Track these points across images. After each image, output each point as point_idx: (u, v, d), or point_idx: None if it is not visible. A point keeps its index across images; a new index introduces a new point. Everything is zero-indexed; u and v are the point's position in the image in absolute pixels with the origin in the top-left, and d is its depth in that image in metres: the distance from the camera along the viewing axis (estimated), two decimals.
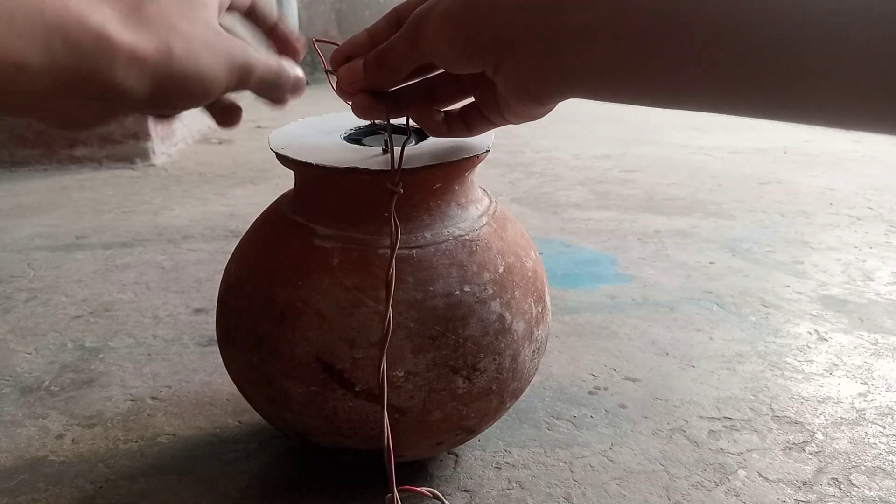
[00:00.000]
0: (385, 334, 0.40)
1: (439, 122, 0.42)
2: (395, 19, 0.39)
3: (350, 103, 0.41)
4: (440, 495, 0.47)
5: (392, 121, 0.43)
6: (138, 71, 0.29)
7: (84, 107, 0.30)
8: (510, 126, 0.41)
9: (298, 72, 0.38)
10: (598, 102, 0.33)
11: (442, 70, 0.39)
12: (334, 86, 0.40)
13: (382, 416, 0.40)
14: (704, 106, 0.29)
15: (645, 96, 0.30)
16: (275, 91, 0.37)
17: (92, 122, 0.31)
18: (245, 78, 0.34)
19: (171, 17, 0.30)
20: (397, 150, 0.42)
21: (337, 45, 0.41)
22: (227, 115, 0.39)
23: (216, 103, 0.38)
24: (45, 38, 0.26)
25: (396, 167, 0.41)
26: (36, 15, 0.26)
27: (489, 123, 0.41)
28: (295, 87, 0.38)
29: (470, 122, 0.41)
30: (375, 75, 0.38)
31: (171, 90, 0.31)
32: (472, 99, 0.41)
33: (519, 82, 0.33)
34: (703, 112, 0.30)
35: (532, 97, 0.34)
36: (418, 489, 0.48)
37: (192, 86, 0.31)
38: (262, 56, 0.35)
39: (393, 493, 0.41)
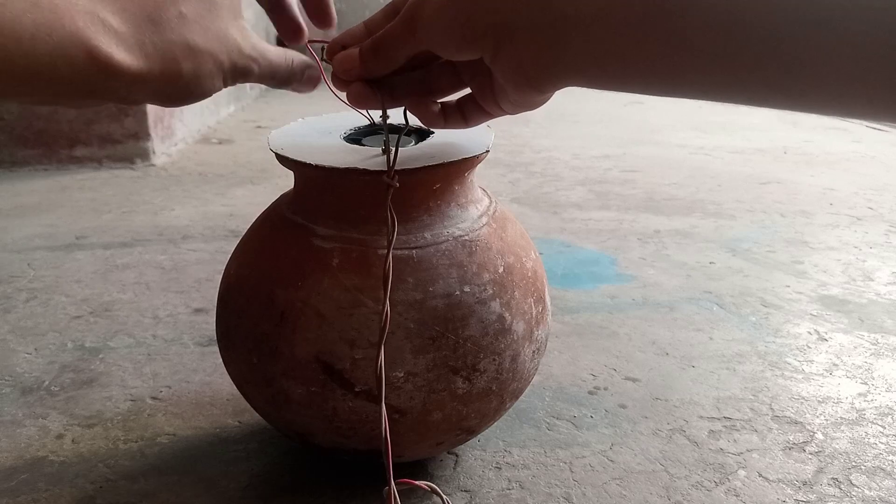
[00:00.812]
0: (382, 327, 0.40)
1: (436, 112, 0.42)
2: (392, 11, 0.39)
3: (345, 92, 0.41)
4: (438, 490, 0.47)
5: (391, 119, 0.43)
6: (140, 88, 0.30)
7: (81, 103, 0.30)
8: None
9: (304, 59, 0.39)
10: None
11: (438, 61, 0.39)
12: (328, 77, 0.40)
13: (381, 416, 0.40)
14: (703, 93, 0.29)
15: (644, 83, 0.31)
16: (283, 84, 0.38)
17: (87, 107, 0.32)
18: (243, 77, 0.35)
19: (188, 30, 0.31)
20: (393, 144, 0.42)
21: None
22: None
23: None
24: (51, 62, 0.26)
25: (392, 161, 0.41)
26: (45, 37, 0.26)
27: (486, 115, 0.41)
28: (304, 77, 0.39)
29: (467, 113, 0.41)
30: (372, 63, 0.38)
31: (171, 96, 0.32)
32: (468, 90, 0.41)
33: (517, 69, 0.33)
34: (702, 99, 0.30)
35: (530, 84, 0.34)
36: (417, 482, 0.47)
37: (193, 93, 0.32)
38: (267, 55, 0.35)
39: (390, 485, 0.41)
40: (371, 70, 0.39)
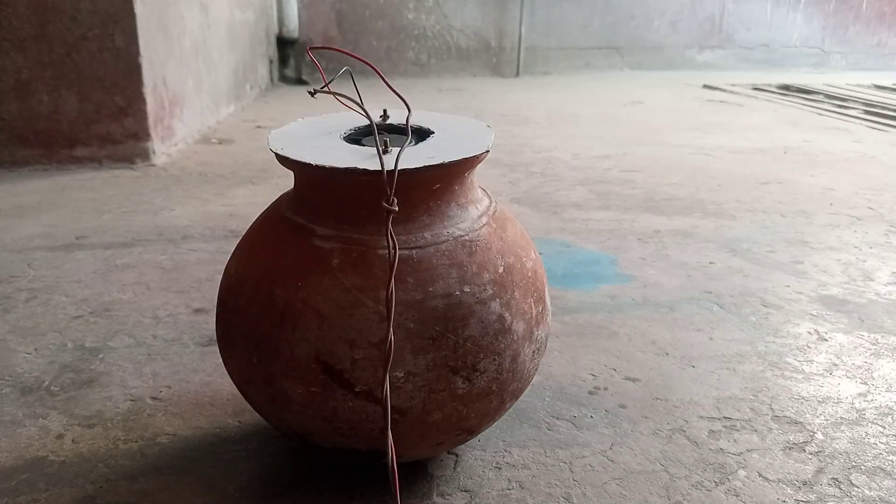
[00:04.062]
0: (388, 353, 0.39)
1: None
2: None
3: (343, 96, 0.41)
4: None
5: (391, 119, 0.43)
6: None
7: None
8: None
9: None
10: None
11: None
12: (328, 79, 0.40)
13: (382, 417, 0.40)
14: None
15: None
16: None
17: None
18: None
19: None
20: (391, 165, 0.41)
21: (334, 49, 0.41)
22: None
23: None
24: None
25: (391, 188, 0.41)
26: None
27: None
28: None
29: None
30: None
31: None
32: None
33: None
34: None
35: None
36: None
37: None
38: None
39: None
40: None
